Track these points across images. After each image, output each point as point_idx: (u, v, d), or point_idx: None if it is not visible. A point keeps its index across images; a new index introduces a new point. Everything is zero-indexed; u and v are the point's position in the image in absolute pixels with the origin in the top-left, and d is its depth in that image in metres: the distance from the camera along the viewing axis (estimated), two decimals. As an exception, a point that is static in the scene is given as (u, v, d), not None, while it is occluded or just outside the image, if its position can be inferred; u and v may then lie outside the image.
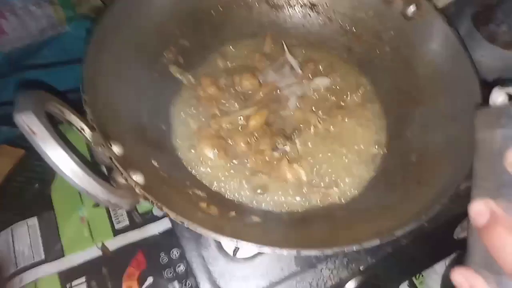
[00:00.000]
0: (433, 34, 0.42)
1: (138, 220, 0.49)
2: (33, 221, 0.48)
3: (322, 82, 0.46)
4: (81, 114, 0.30)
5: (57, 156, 0.22)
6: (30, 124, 0.21)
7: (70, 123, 0.29)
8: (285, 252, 0.29)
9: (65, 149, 0.22)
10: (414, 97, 0.44)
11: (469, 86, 0.38)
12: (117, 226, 0.48)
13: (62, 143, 0.22)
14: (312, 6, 0.50)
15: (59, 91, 0.51)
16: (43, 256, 0.46)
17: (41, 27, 0.46)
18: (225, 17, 0.48)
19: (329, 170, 0.42)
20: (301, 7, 0.50)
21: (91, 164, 0.24)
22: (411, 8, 0.44)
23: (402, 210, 0.35)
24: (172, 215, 0.28)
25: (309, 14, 0.50)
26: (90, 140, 0.30)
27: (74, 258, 0.46)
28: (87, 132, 0.30)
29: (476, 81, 0.37)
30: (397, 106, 0.45)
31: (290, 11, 0.50)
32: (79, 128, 0.30)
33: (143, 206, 0.49)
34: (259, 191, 0.40)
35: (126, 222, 0.48)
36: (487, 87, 0.32)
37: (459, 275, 0.25)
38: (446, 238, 0.50)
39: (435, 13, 0.42)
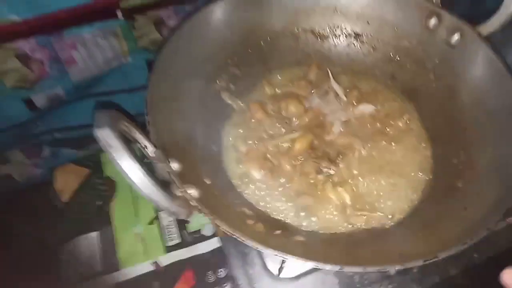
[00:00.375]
0: (478, 62, 0.43)
1: (188, 238, 0.51)
2: (94, 235, 0.52)
3: (366, 108, 0.48)
4: (144, 132, 0.34)
5: (129, 167, 0.25)
6: (108, 138, 0.25)
7: (136, 141, 0.33)
8: (328, 267, 0.30)
9: (135, 161, 0.25)
10: (459, 123, 0.44)
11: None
12: (168, 243, 0.51)
13: (133, 156, 0.26)
14: (357, 36, 0.52)
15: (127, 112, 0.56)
16: (100, 269, 0.50)
17: (106, 58, 0.50)
18: (273, 47, 0.51)
19: (373, 194, 0.42)
20: (345, 37, 0.52)
21: (154, 177, 0.27)
22: (455, 37, 0.45)
23: (447, 234, 0.35)
24: (224, 226, 0.30)
25: (354, 44, 0.52)
26: (152, 156, 0.33)
27: (128, 272, 0.50)
28: (150, 149, 0.33)
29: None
30: (442, 132, 0.46)
31: (335, 41, 0.53)
32: (143, 145, 0.33)
33: (193, 225, 0.52)
34: (302, 213, 0.41)
35: (177, 240, 0.51)
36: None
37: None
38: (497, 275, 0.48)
39: (479, 41, 0.43)
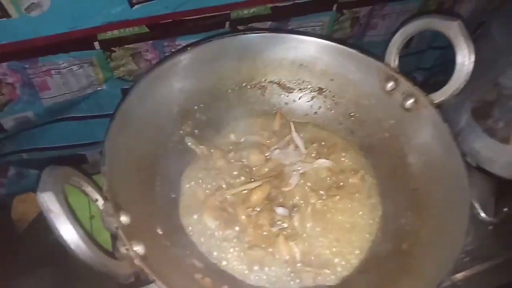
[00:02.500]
0: (428, 127, 0.45)
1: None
2: (48, 271, 0.51)
3: (324, 163, 0.49)
4: (97, 187, 0.34)
5: (67, 232, 0.26)
6: (49, 202, 0.25)
7: (86, 194, 0.33)
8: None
9: (75, 226, 0.26)
10: (409, 184, 0.46)
11: (459, 182, 0.40)
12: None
13: (73, 220, 0.26)
14: (320, 91, 0.54)
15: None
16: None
17: (81, 85, 0.51)
18: (240, 96, 0.53)
19: (323, 251, 0.43)
20: (310, 91, 0.54)
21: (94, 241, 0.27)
22: (410, 101, 0.47)
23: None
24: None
25: (317, 98, 0.54)
26: (101, 209, 0.34)
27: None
28: (100, 202, 0.34)
29: (465, 179, 0.39)
30: (394, 190, 0.47)
31: (300, 94, 0.55)
32: (94, 199, 0.34)
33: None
34: (255, 267, 0.42)
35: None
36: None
37: None
38: None
39: (430, 108, 0.45)
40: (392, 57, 0.49)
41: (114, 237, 0.33)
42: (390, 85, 0.49)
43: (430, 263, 0.38)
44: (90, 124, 0.56)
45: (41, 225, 0.54)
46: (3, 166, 0.58)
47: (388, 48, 0.49)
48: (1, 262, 0.52)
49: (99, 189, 0.34)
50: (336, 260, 0.43)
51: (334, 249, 0.44)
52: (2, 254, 0.52)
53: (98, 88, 0.53)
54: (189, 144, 0.50)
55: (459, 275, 0.48)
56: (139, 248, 0.33)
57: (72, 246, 0.26)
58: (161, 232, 0.40)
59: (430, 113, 0.45)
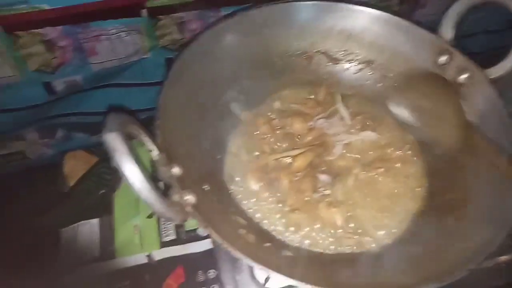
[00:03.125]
0: (482, 104, 0.44)
1: (183, 236, 0.53)
2: (95, 222, 0.54)
3: (369, 136, 0.49)
4: (151, 135, 0.36)
5: (131, 171, 0.27)
6: (114, 142, 0.27)
7: (142, 143, 0.35)
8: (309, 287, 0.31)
9: (138, 166, 0.27)
10: (458, 161, 0.45)
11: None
12: (164, 239, 0.53)
13: (136, 160, 0.28)
14: (369, 63, 0.53)
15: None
16: (98, 255, 0.52)
17: (127, 52, 0.52)
18: (285, 64, 0.53)
19: (364, 219, 0.44)
20: (358, 63, 0.54)
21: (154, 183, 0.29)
22: (464, 76, 0.46)
23: (430, 269, 0.36)
24: (215, 236, 0.32)
25: (365, 70, 0.54)
26: (156, 159, 0.35)
27: (123, 261, 0.51)
28: (155, 152, 0.35)
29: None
30: (441, 166, 0.47)
31: (347, 65, 0.54)
32: (149, 148, 0.35)
33: (190, 224, 0.54)
34: (292, 228, 0.43)
35: (172, 236, 0.53)
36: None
37: None
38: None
39: (486, 83, 0.44)
40: (448, 30, 0.47)
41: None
42: (443, 58, 0.47)
43: (475, 239, 0.38)
44: (133, 91, 0.58)
45: (90, 180, 0.58)
46: (52, 128, 0.60)
47: (443, 19, 0.47)
48: (53, 211, 0.55)
49: (154, 140, 0.36)
50: (377, 229, 0.43)
51: (375, 218, 0.44)
52: (53, 205, 0.56)
53: (143, 56, 0.54)
54: (233, 109, 0.50)
55: (503, 258, 0.47)
56: (190, 197, 0.34)
57: (136, 185, 0.27)
58: (208, 188, 0.41)
59: (485, 88, 0.44)
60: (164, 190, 0.33)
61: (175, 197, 0.33)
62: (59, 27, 0.47)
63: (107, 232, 0.54)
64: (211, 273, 0.50)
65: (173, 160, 0.36)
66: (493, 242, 0.35)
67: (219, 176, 0.46)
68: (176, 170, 0.36)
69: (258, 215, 0.44)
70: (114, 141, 0.27)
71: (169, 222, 0.54)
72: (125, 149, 0.27)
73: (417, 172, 0.47)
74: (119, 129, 0.27)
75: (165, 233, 0.54)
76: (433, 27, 0.48)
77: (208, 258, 0.51)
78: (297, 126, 0.50)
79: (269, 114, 0.51)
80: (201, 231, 0.54)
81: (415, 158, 0.48)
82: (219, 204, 0.41)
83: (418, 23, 0.49)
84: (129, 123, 0.31)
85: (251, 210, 0.44)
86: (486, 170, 0.42)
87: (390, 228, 0.43)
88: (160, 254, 0.52)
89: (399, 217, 0.44)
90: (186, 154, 0.40)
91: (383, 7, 0.56)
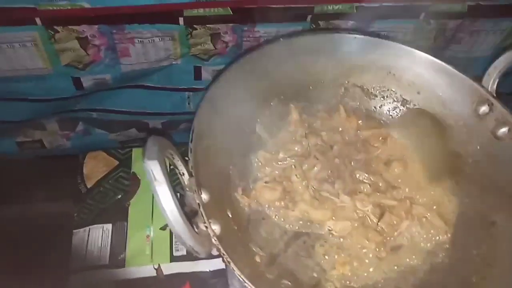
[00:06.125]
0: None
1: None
2: (108, 227, 0.54)
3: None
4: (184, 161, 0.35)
5: (167, 201, 0.27)
6: (155, 171, 0.26)
7: (175, 167, 0.34)
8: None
9: (173, 197, 0.27)
10: (487, 216, 0.44)
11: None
12: (175, 253, 0.52)
13: (172, 190, 0.27)
14: (404, 101, 0.53)
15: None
16: (107, 262, 0.51)
17: (158, 57, 0.52)
18: (320, 93, 0.53)
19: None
20: (393, 100, 0.53)
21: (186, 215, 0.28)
22: (503, 129, 0.45)
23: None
24: (237, 271, 0.31)
25: (399, 108, 0.53)
26: (186, 184, 0.35)
27: (132, 271, 0.51)
28: (186, 177, 0.35)
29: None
30: (469, 221, 0.45)
31: (382, 101, 0.54)
32: (181, 172, 0.35)
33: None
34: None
35: (183, 252, 0.52)
36: None
37: None
38: None
39: (526, 140, 0.43)
40: (491, 80, 0.46)
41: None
42: (483, 109, 0.46)
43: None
44: (158, 94, 0.58)
45: (108, 184, 0.58)
46: (74, 121, 0.61)
47: (488, 69, 0.46)
48: (68, 211, 0.55)
49: (186, 164, 0.35)
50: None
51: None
52: (69, 204, 0.56)
53: (173, 62, 0.54)
54: (258, 131, 0.50)
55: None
56: (216, 228, 0.34)
57: (170, 215, 0.27)
58: (230, 215, 0.41)
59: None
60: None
61: (201, 226, 0.33)
62: (96, 26, 0.47)
63: (119, 239, 0.53)
64: (218, 296, 0.49)
65: (202, 185, 0.36)
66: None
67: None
68: (205, 197, 0.35)
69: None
70: (155, 170, 0.26)
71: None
72: (163, 180, 0.26)
73: (445, 224, 0.46)
74: (159, 157, 0.27)
75: (176, 247, 0.53)
76: (465, 63, 0.47)
77: (218, 278, 0.50)
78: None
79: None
80: (213, 250, 0.53)
81: (445, 207, 0.47)
82: (239, 232, 0.40)
83: (461, 68, 0.48)
84: (166, 148, 0.31)
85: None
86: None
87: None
88: (169, 268, 0.51)
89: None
90: (215, 180, 0.40)
91: (418, 38, 0.56)
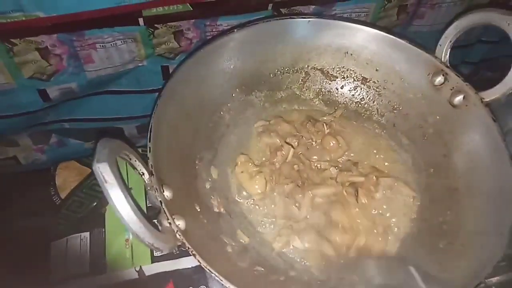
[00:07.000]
0: (476, 126, 0.44)
1: (175, 251, 0.53)
2: (86, 235, 0.53)
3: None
4: (143, 160, 0.35)
5: (119, 202, 0.27)
6: (104, 173, 0.26)
7: (134, 167, 0.35)
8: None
9: (127, 197, 0.27)
10: (450, 183, 0.45)
11: (505, 184, 0.39)
12: (156, 253, 0.52)
13: (126, 191, 0.27)
14: (364, 80, 0.53)
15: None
16: (88, 269, 0.51)
17: (123, 60, 0.52)
18: (281, 80, 0.53)
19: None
20: (353, 80, 0.54)
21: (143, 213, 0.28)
22: (459, 98, 0.45)
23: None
24: (203, 263, 0.32)
25: (360, 87, 0.54)
26: (147, 183, 0.35)
27: (113, 276, 0.51)
28: (146, 176, 0.35)
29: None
30: (433, 188, 0.46)
31: (343, 82, 0.54)
32: (140, 172, 0.35)
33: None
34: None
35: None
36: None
37: None
38: None
39: (480, 106, 0.43)
40: (444, 51, 0.47)
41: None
42: (438, 79, 0.47)
43: (468, 264, 0.38)
44: (129, 98, 0.58)
45: (82, 192, 0.57)
46: (47, 134, 0.60)
47: (440, 40, 0.47)
48: (44, 223, 0.55)
49: (146, 163, 0.35)
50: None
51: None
52: (45, 217, 0.55)
53: (139, 64, 0.54)
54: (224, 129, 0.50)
55: (494, 279, 0.47)
56: (180, 223, 0.34)
57: (124, 216, 0.27)
58: (198, 209, 0.41)
59: (479, 111, 0.44)
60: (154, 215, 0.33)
61: (165, 223, 0.33)
62: (54, 35, 0.46)
63: (98, 246, 0.53)
64: (202, 290, 0.50)
65: (164, 182, 0.36)
66: (486, 267, 0.35)
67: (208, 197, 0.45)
68: (167, 193, 0.35)
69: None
70: (104, 172, 0.26)
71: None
72: (115, 182, 0.26)
73: (409, 192, 0.47)
74: (108, 159, 0.27)
75: (156, 247, 0.53)
76: (430, 37, 0.47)
77: (200, 274, 0.51)
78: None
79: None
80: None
81: (407, 177, 0.48)
82: (209, 225, 0.41)
83: (415, 42, 0.48)
84: (119, 149, 0.31)
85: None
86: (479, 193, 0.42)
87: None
88: (151, 269, 0.51)
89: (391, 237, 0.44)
90: (178, 175, 0.40)
91: (381, 17, 0.56)
